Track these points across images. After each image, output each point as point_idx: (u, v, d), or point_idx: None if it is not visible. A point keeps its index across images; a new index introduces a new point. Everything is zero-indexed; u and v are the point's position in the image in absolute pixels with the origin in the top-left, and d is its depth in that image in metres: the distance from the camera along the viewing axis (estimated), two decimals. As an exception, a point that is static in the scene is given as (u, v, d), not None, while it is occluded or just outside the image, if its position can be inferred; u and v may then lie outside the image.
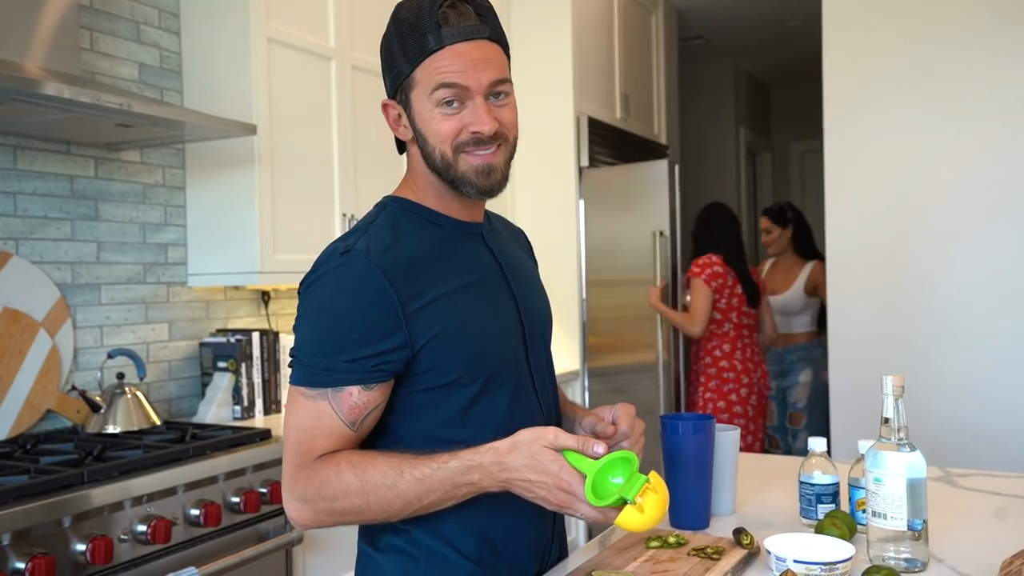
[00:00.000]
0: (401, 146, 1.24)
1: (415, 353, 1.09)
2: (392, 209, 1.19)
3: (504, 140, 1.15)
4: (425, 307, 1.10)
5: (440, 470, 1.04)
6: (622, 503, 0.99)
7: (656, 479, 1.03)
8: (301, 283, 1.14)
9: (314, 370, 1.08)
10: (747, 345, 3.77)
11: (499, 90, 1.13)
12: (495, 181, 1.15)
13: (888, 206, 3.28)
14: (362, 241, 1.11)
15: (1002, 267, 3.10)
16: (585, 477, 1.00)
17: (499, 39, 1.15)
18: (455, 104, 1.11)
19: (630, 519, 1.00)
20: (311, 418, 1.08)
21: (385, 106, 1.20)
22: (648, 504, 1.00)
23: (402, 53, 1.12)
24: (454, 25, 1.10)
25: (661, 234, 3.82)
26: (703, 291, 3.68)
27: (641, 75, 4.81)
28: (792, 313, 4.24)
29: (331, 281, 1.09)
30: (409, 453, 1.07)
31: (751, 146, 7.01)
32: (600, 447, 1.01)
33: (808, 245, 4.30)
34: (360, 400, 1.08)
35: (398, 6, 1.16)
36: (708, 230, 3.91)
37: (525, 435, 1.03)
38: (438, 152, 1.13)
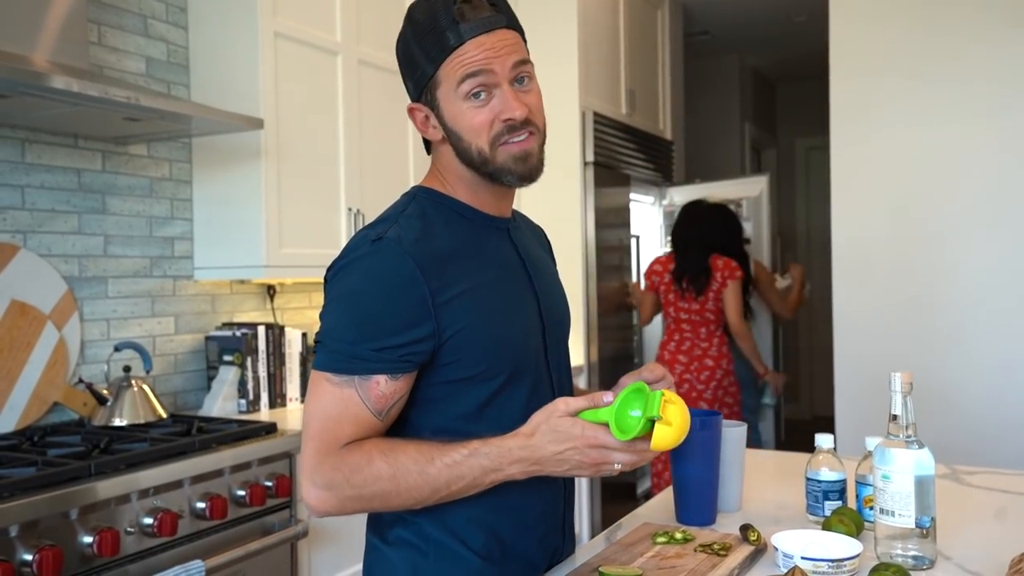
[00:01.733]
0: (427, 146, 1.23)
1: (441, 344, 1.09)
2: (422, 200, 1.18)
3: (535, 127, 1.15)
4: (453, 299, 1.09)
5: (471, 456, 1.04)
6: (649, 428, 1.02)
7: (671, 393, 1.06)
8: (329, 269, 1.14)
9: (341, 356, 1.07)
10: (685, 338, 3.93)
11: (522, 73, 1.14)
12: (532, 166, 1.15)
13: (894, 202, 3.27)
14: (393, 230, 1.10)
15: (1010, 263, 3.08)
16: (607, 426, 1.02)
17: (515, 25, 1.15)
18: (483, 95, 1.11)
19: (662, 436, 1.02)
20: (337, 405, 1.07)
21: (412, 110, 1.19)
22: (671, 415, 1.02)
23: (423, 54, 1.12)
24: (471, 20, 1.09)
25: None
26: (641, 291, 4.18)
27: (646, 70, 4.80)
28: None
29: (362, 268, 1.09)
30: (436, 441, 1.07)
31: (756, 142, 6.99)
32: (608, 395, 1.04)
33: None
34: (387, 389, 1.08)
35: (411, 8, 1.15)
36: (674, 231, 4.15)
37: (538, 416, 1.05)
38: (475, 147, 1.13)
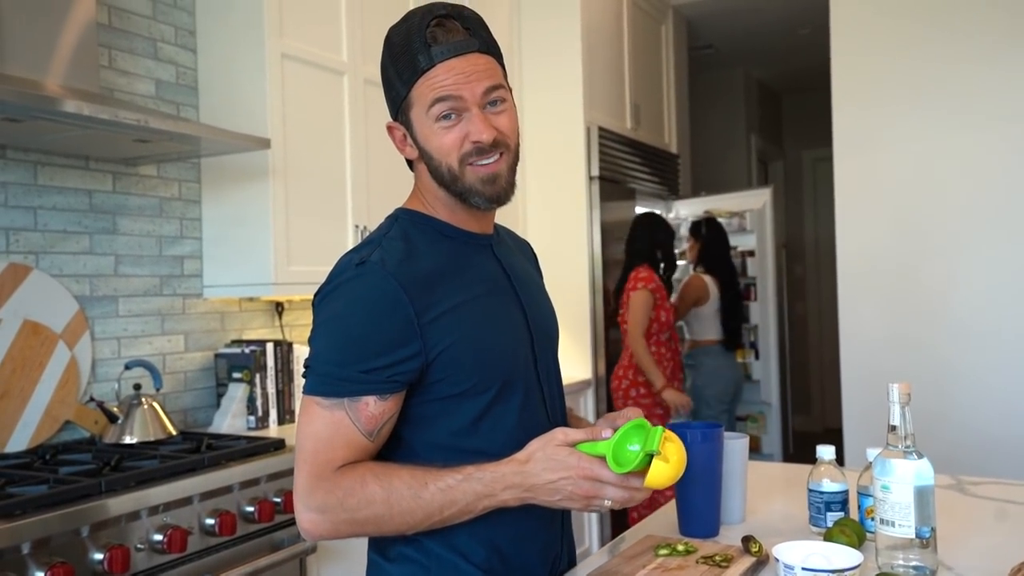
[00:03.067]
0: (411, 164, 1.25)
1: (429, 363, 1.10)
2: (404, 222, 1.20)
3: (506, 148, 1.16)
4: (439, 318, 1.11)
5: (464, 481, 1.05)
6: (646, 463, 1.02)
7: (669, 431, 1.06)
8: (316, 295, 1.15)
9: (330, 380, 1.08)
10: (622, 349, 3.92)
11: (494, 97, 1.14)
12: (501, 188, 1.16)
13: (898, 212, 3.28)
14: (377, 253, 1.12)
15: (1013, 273, 3.08)
16: (603, 459, 1.03)
17: (489, 50, 1.16)
18: (453, 117, 1.13)
19: (658, 473, 1.02)
20: (328, 428, 1.08)
21: (390, 128, 1.22)
22: (670, 452, 1.03)
23: (397, 75, 1.14)
24: (443, 43, 1.11)
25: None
26: None
27: (651, 84, 4.83)
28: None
29: (347, 292, 1.10)
30: (431, 466, 1.08)
31: (763, 154, 7.00)
32: (607, 431, 1.05)
33: (709, 259, 4.45)
34: (376, 410, 1.09)
35: (390, 30, 1.18)
36: None
37: (536, 443, 1.05)
38: (444, 166, 1.15)
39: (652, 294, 3.74)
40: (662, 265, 3.95)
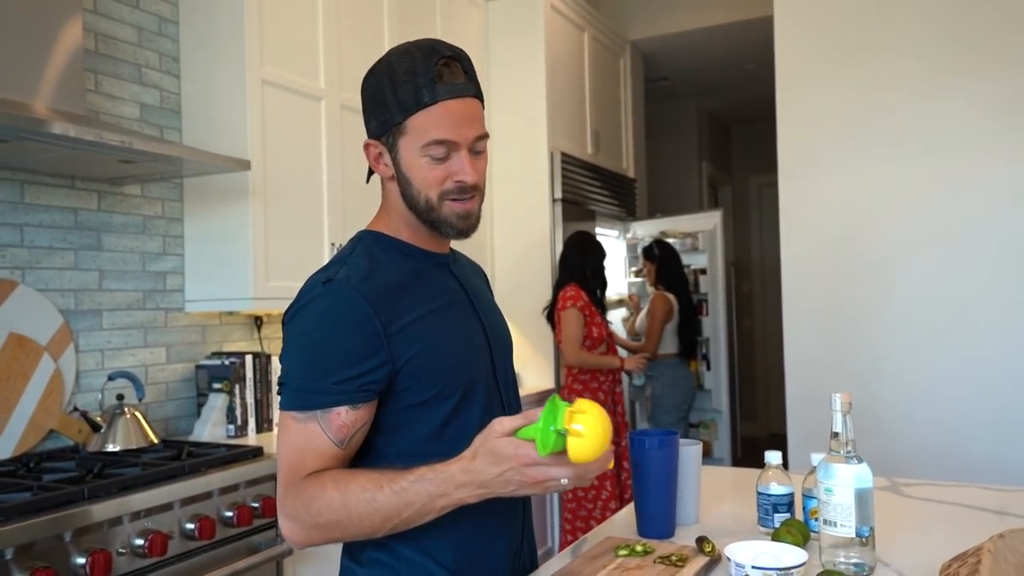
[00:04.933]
0: (370, 176, 1.26)
1: (396, 371, 1.10)
2: (367, 241, 1.21)
3: (479, 191, 1.19)
4: (404, 329, 1.11)
5: (417, 482, 1.03)
6: (564, 441, 0.95)
7: (586, 403, 0.99)
8: (285, 313, 1.14)
9: (303, 394, 1.08)
10: (564, 373, 3.79)
11: (479, 147, 1.18)
12: (471, 224, 1.20)
13: (837, 233, 3.34)
14: (343, 271, 1.12)
15: (941, 291, 3.15)
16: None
17: (480, 97, 1.19)
18: (442, 156, 1.14)
19: (577, 448, 0.95)
20: (301, 439, 1.08)
21: (367, 146, 1.21)
22: (584, 423, 0.95)
23: (395, 101, 1.14)
24: (447, 83, 1.12)
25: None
26: None
27: (610, 113, 4.87)
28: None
29: (316, 309, 1.10)
30: (390, 469, 1.07)
31: (713, 179, 7.09)
32: (538, 411, 0.98)
33: (667, 278, 4.49)
34: (348, 419, 1.08)
35: (392, 54, 1.17)
36: None
37: (479, 439, 1.02)
38: (423, 196, 1.16)
39: (581, 312, 3.60)
40: (593, 283, 3.75)
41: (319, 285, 1.11)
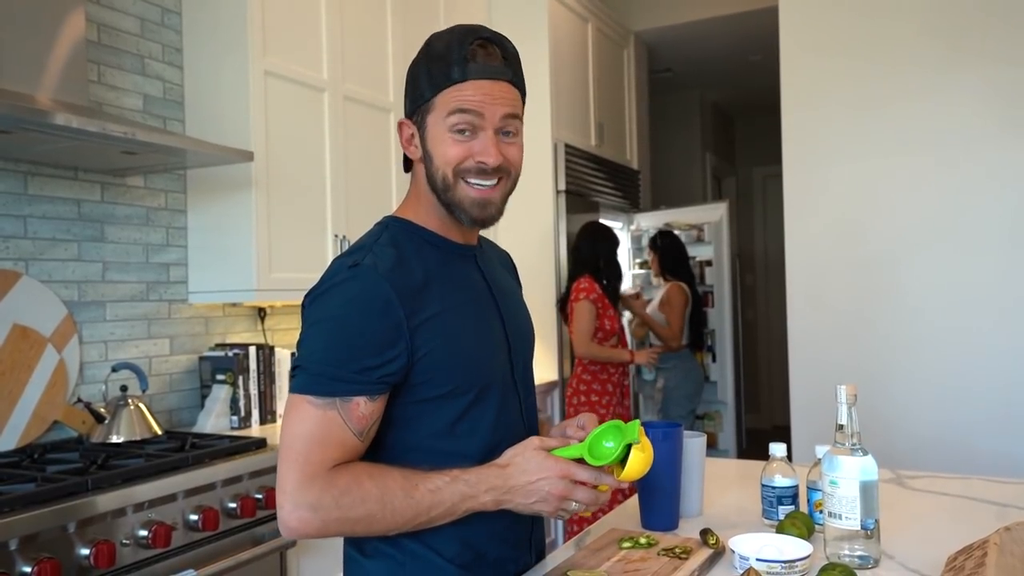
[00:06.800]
0: (408, 165, 1.23)
1: (413, 364, 1.08)
2: (394, 229, 1.18)
3: (506, 175, 1.15)
4: (425, 322, 1.09)
5: (452, 483, 1.05)
6: (623, 455, 1.07)
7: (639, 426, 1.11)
8: (307, 296, 1.12)
9: (324, 379, 1.05)
10: (574, 364, 3.78)
11: (509, 127, 1.13)
12: (489, 214, 1.16)
13: (841, 225, 3.32)
14: (369, 257, 1.09)
15: (948, 282, 3.14)
16: (579, 461, 1.07)
17: (518, 84, 1.15)
18: (467, 132, 1.11)
19: (636, 461, 1.07)
20: (321, 428, 1.04)
21: (401, 125, 1.19)
22: (646, 443, 1.08)
23: (427, 78, 1.12)
24: (481, 63, 1.10)
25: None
26: None
27: (614, 105, 4.86)
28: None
29: (342, 293, 1.07)
30: (412, 468, 1.07)
31: (716, 171, 7.07)
32: (580, 433, 1.12)
33: (671, 268, 4.40)
34: (366, 411, 1.06)
35: (432, 36, 1.16)
36: None
37: (513, 450, 1.08)
38: (440, 173, 1.13)
39: (593, 304, 3.60)
40: (605, 274, 3.75)
41: (345, 269, 1.08)
